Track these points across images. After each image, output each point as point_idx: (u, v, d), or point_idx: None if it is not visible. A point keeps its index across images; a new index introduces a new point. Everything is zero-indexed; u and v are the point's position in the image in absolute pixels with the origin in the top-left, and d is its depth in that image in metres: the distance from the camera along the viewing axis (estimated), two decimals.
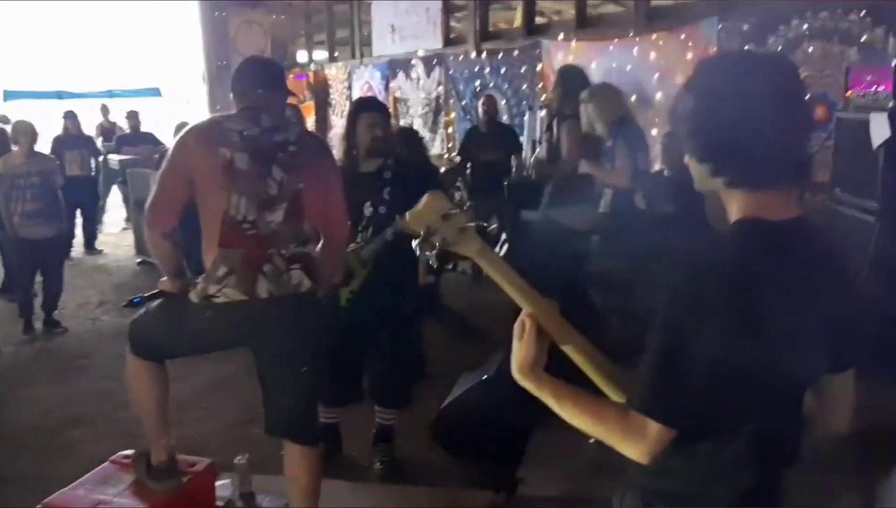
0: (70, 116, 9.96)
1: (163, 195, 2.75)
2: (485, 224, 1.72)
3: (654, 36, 7.29)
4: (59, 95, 16.37)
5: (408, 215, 1.56)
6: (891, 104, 4.64)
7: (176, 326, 2.83)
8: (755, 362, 1.34)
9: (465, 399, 4.32)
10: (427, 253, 1.53)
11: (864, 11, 5.60)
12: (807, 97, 1.46)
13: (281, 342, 2.80)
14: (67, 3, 17.89)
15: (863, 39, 5.63)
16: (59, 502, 2.98)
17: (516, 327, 1.54)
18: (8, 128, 7.46)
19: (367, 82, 12.35)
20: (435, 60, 10.46)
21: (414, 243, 1.54)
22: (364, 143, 3.76)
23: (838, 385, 1.55)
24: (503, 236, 7.92)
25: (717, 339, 1.31)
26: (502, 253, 7.73)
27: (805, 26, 6.06)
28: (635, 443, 1.40)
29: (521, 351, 1.53)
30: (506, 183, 6.96)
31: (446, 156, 10.10)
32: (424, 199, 1.56)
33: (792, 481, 1.54)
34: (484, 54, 9.61)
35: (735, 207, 1.43)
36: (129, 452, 3.20)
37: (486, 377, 4.40)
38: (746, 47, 6.52)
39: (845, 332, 1.49)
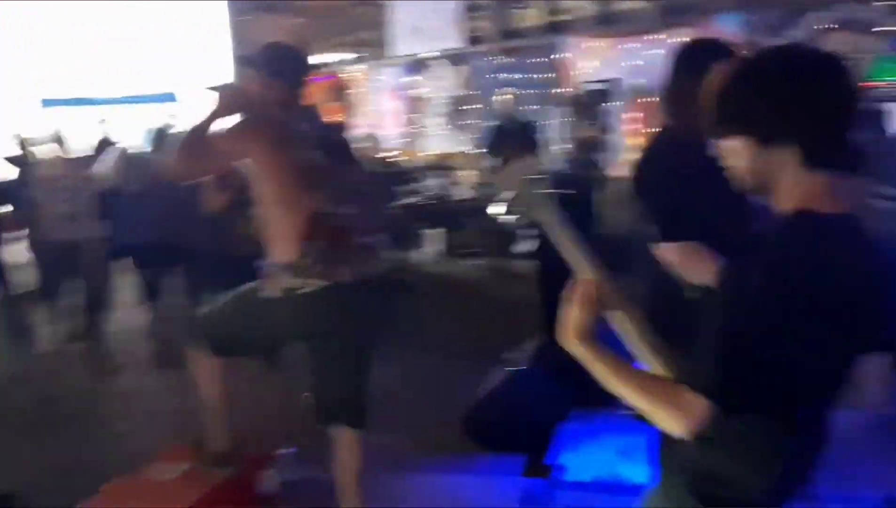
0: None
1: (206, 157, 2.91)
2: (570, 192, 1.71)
3: (675, 32, 7.36)
4: (87, 102, 16.59)
5: (500, 175, 1.56)
6: None
7: (249, 323, 2.97)
8: (831, 350, 1.41)
9: (496, 394, 4.43)
10: (512, 218, 1.56)
11: None
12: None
13: (356, 324, 2.97)
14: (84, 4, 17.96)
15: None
16: (116, 489, 3.14)
17: (570, 293, 1.54)
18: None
19: (388, 82, 12.51)
20: (457, 60, 10.58)
21: (500, 208, 1.55)
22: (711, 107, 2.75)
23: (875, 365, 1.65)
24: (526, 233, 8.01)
25: (803, 332, 1.36)
26: (529, 249, 7.81)
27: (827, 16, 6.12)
28: (685, 421, 1.40)
29: (577, 317, 1.52)
30: None
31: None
32: (523, 160, 1.57)
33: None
34: (506, 53, 9.72)
35: (793, 196, 1.47)
36: (180, 444, 3.37)
37: (516, 370, 4.52)
38: (770, 40, 6.60)
39: (889, 317, 1.54)
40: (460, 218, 9.21)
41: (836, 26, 6.02)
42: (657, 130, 2.65)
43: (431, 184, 9.28)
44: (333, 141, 3.05)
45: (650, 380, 1.50)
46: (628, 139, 8.04)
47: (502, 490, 3.64)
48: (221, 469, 3.17)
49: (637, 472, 3.60)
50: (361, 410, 3.07)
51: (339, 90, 13.75)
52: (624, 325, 1.58)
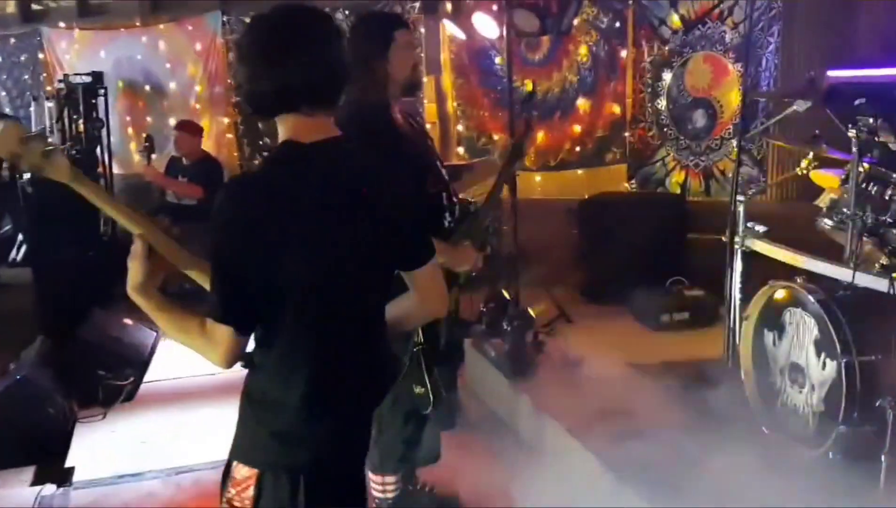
0: None
1: None
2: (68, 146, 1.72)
3: (161, 26, 7.43)
4: None
5: None
6: None
7: None
8: (300, 265, 1.57)
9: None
10: (20, 180, 1.55)
11: None
12: (333, 42, 1.66)
13: None
14: None
15: None
16: None
17: (132, 248, 1.61)
18: None
19: None
20: None
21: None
22: (402, 77, 2.72)
23: (422, 279, 1.82)
24: (19, 238, 7.41)
25: (261, 247, 1.53)
26: (20, 256, 7.21)
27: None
28: (213, 349, 1.56)
29: (131, 270, 1.60)
30: (19, 178, 6.54)
31: None
32: (1, 126, 1.56)
33: None
34: None
35: (280, 132, 1.67)
36: None
37: (18, 377, 4.24)
38: None
39: (404, 237, 1.78)
40: None
41: None
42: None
43: None
44: None
45: (189, 321, 1.59)
46: (124, 132, 7.92)
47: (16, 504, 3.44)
48: None
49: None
50: None
51: None
52: (191, 274, 1.70)
